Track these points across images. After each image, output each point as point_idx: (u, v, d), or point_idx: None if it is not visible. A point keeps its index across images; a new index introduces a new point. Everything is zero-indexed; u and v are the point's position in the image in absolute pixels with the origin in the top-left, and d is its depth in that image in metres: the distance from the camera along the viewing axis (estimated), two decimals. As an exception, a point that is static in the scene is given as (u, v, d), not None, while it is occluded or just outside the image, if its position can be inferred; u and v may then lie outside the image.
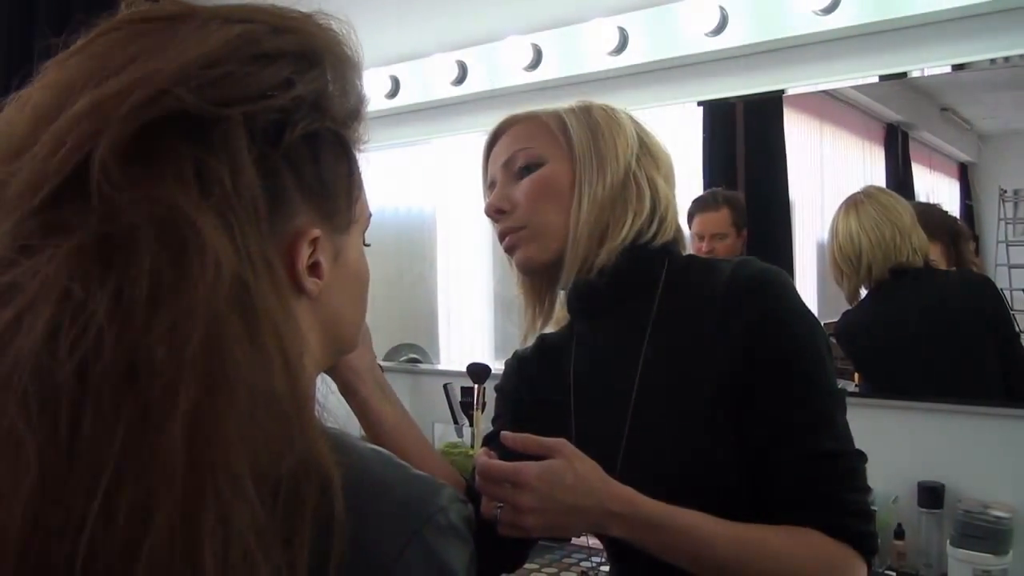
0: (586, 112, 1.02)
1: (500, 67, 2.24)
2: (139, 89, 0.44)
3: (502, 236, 1.03)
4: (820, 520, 0.84)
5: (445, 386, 2.27)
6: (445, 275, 2.51)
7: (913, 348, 1.74)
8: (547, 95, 2.21)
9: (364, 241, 0.62)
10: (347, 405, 1.01)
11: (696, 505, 0.85)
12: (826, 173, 1.92)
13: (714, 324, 0.90)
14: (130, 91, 0.44)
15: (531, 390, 1.10)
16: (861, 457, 0.89)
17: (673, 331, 0.95)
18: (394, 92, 2.45)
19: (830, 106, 1.88)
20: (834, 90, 1.85)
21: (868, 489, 0.89)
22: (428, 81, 2.39)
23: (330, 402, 0.51)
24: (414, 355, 2.55)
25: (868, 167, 1.89)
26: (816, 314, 0.94)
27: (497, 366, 2.33)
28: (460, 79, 2.31)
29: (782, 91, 1.88)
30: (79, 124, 0.44)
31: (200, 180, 0.44)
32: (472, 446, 2.15)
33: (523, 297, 1.10)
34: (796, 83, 1.86)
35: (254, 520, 0.41)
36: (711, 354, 0.90)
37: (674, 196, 1.03)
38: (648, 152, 1.01)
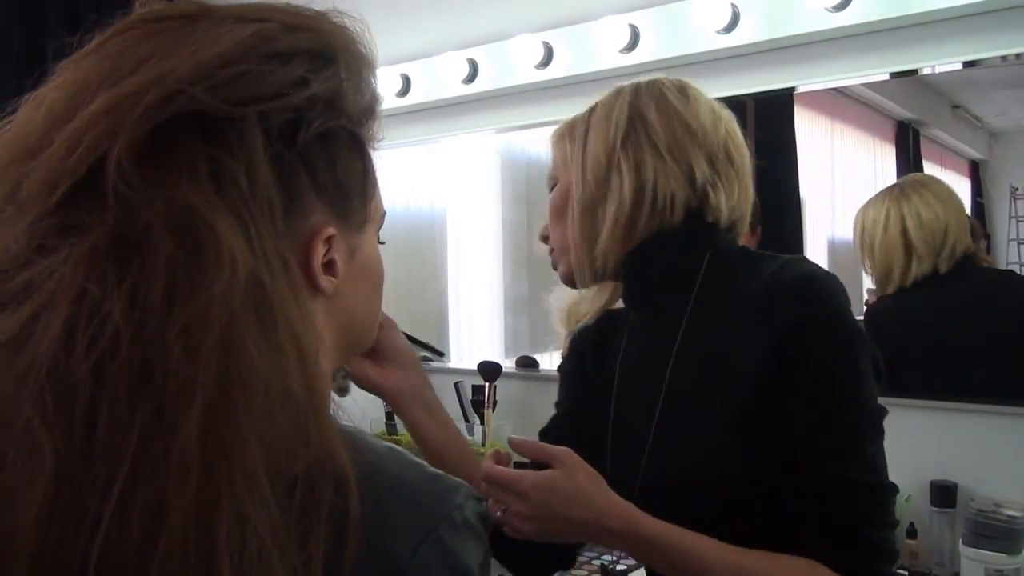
0: (593, 111, 1.00)
1: (511, 65, 2.23)
2: (154, 89, 0.44)
3: (551, 254, 1.06)
4: (830, 555, 0.80)
5: (456, 385, 2.27)
6: (455, 273, 2.52)
7: (933, 344, 1.73)
8: (558, 93, 2.20)
9: (378, 239, 0.62)
10: (361, 403, 1.02)
11: (712, 516, 0.83)
12: (837, 171, 1.91)
13: (749, 325, 0.85)
14: (145, 91, 0.44)
15: (582, 366, 1.10)
16: (891, 490, 0.83)
17: (707, 328, 0.91)
18: (405, 90, 2.45)
19: (841, 104, 1.87)
20: (845, 88, 1.84)
21: (892, 525, 0.83)
22: (439, 79, 2.38)
23: (345, 400, 0.50)
24: (424, 354, 2.55)
25: (879, 165, 1.88)
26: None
27: (508, 364, 2.34)
28: (471, 77, 2.31)
29: (793, 89, 1.87)
30: (95, 124, 0.44)
31: (215, 180, 0.44)
32: (483, 445, 2.15)
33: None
34: (807, 80, 1.85)
35: (270, 519, 0.41)
36: (742, 359, 0.85)
37: (686, 168, 0.93)
38: (643, 129, 0.94)
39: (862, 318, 1.78)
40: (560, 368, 1.15)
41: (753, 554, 0.82)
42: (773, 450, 0.83)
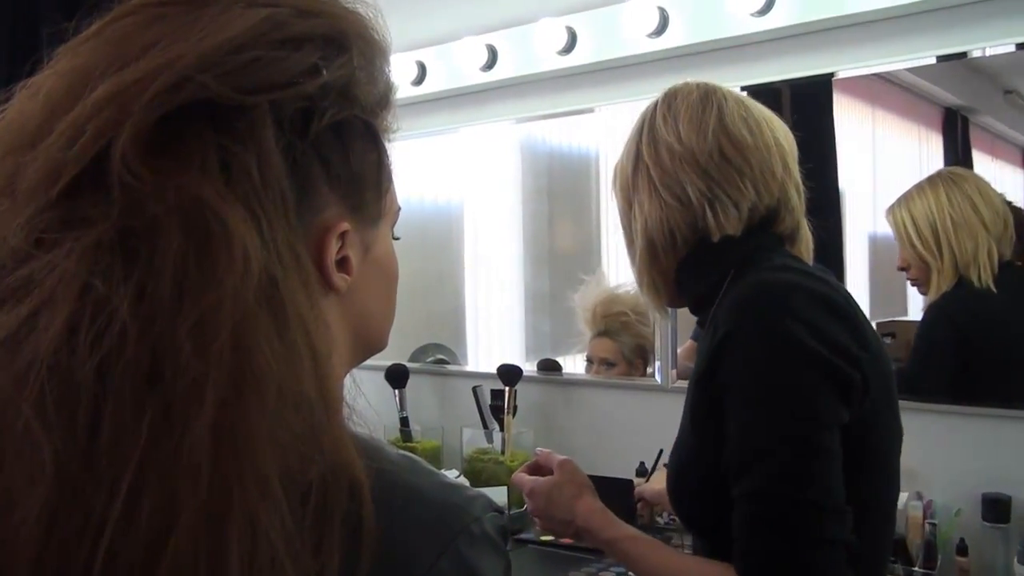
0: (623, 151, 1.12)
1: (532, 51, 2.23)
2: (162, 76, 0.44)
3: None
4: (737, 563, 0.89)
5: (474, 389, 2.28)
6: (474, 271, 2.52)
7: (988, 348, 1.71)
8: (582, 81, 2.20)
9: (393, 235, 0.62)
10: (376, 407, 1.03)
11: (695, 508, 1.00)
12: (879, 162, 1.89)
13: (710, 339, 0.95)
14: (152, 78, 0.44)
15: None
16: (823, 507, 0.84)
17: (701, 344, 1.01)
18: (420, 78, 2.45)
19: (883, 90, 1.85)
20: (888, 73, 1.82)
21: (820, 542, 0.84)
22: (456, 67, 2.39)
23: (359, 404, 0.51)
24: (441, 356, 2.56)
25: (924, 155, 1.86)
26: (867, 313, 0.92)
27: (528, 367, 2.34)
28: (490, 64, 2.31)
29: (832, 74, 1.85)
30: (98, 112, 0.44)
31: (226, 170, 0.44)
32: (503, 453, 2.15)
33: None
34: (847, 66, 1.83)
35: (282, 525, 0.41)
36: (699, 369, 0.96)
37: (682, 194, 1.02)
38: (644, 170, 1.05)
39: (920, 318, 1.76)
40: None
41: (688, 558, 1.04)
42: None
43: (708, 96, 1.05)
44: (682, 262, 1.04)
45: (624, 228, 1.11)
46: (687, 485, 1.01)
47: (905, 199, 1.75)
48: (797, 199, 1.05)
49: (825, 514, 0.85)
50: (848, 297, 0.96)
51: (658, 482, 1.50)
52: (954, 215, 1.69)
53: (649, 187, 1.04)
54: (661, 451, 1.75)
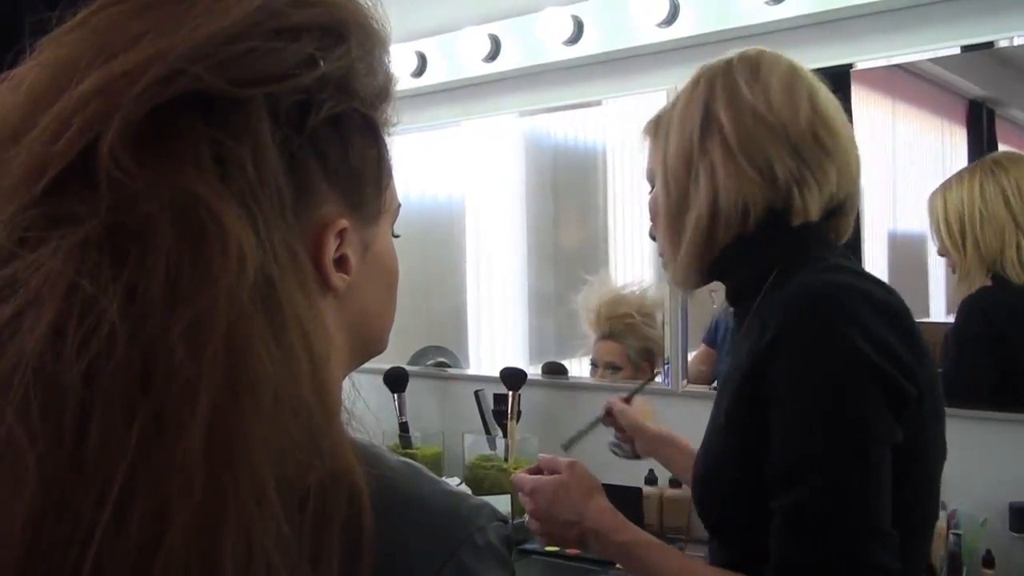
0: (675, 106, 1.05)
1: (537, 41, 2.23)
2: (152, 67, 0.44)
3: None
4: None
5: (476, 393, 2.28)
6: (476, 270, 2.52)
7: (1016, 351, 1.70)
8: (588, 72, 2.20)
9: (393, 232, 0.62)
10: (375, 412, 1.03)
11: (724, 515, 0.98)
12: (899, 157, 1.89)
13: (756, 338, 0.91)
14: (143, 69, 0.44)
15: None
16: (851, 524, 0.83)
17: (744, 339, 0.98)
18: (421, 70, 2.45)
19: (905, 82, 1.85)
20: (909, 63, 1.82)
21: (853, 563, 0.83)
22: (458, 57, 2.39)
23: (357, 409, 0.51)
24: (442, 359, 2.56)
25: (948, 149, 1.86)
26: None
27: (533, 370, 2.34)
28: (493, 55, 2.31)
29: (850, 66, 1.85)
30: (86, 105, 0.44)
31: (220, 166, 0.44)
32: (506, 460, 2.15)
33: None
34: (866, 56, 1.83)
35: (279, 534, 0.41)
36: (743, 369, 0.93)
37: (765, 168, 0.96)
38: (716, 130, 0.98)
39: (951, 318, 1.75)
40: None
41: (711, 570, 0.98)
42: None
43: (797, 71, 1.01)
44: (739, 240, 0.98)
45: (667, 194, 1.02)
46: (717, 490, 0.98)
47: (944, 186, 1.74)
48: (855, 206, 1.05)
49: (874, 537, 0.83)
50: (903, 302, 0.94)
51: (636, 415, 1.49)
52: (983, 208, 1.68)
53: (725, 154, 0.96)
54: (649, 380, 1.79)
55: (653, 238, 1.11)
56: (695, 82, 1.03)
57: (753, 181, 0.96)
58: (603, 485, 1.15)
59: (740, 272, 1.01)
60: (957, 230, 1.71)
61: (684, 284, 1.07)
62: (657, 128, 1.06)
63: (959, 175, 1.73)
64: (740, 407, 0.92)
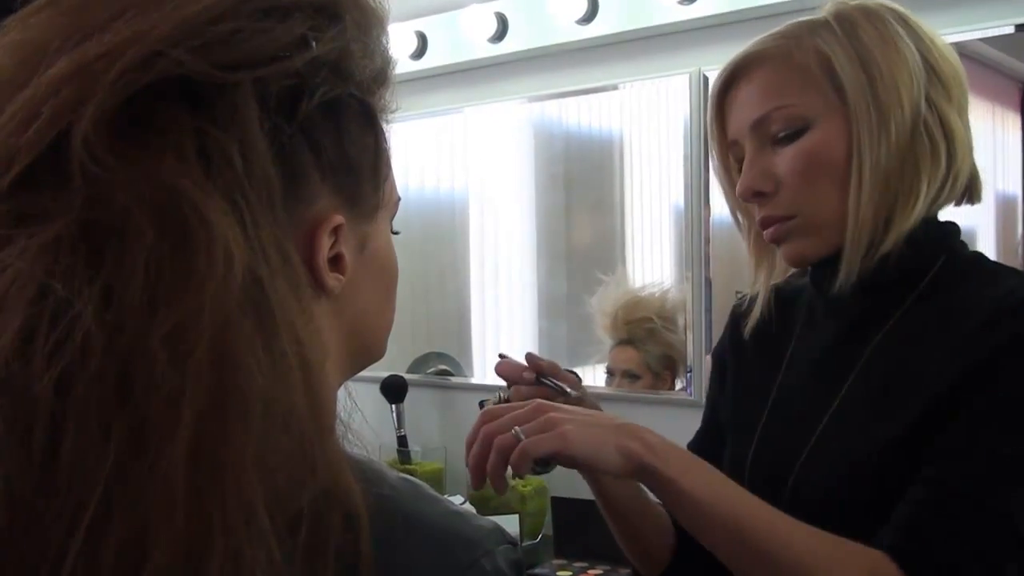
0: (853, 36, 0.93)
1: (548, 20, 2.23)
2: (130, 50, 0.44)
3: (765, 223, 0.97)
4: (903, 560, 0.81)
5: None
6: (480, 271, 2.52)
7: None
8: (603, 54, 2.20)
9: (392, 229, 0.62)
10: (373, 425, 1.02)
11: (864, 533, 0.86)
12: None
13: (959, 341, 0.86)
14: (120, 52, 0.44)
15: (740, 359, 1.12)
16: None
17: (907, 342, 0.92)
18: (421, 51, 2.46)
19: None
20: (958, 44, 1.81)
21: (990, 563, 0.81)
22: (461, 38, 2.39)
23: (354, 421, 0.51)
24: (444, 366, 2.56)
25: (999, 136, 1.85)
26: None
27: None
28: (499, 35, 2.31)
29: (892, 45, 1.84)
30: (57, 92, 0.44)
31: (204, 158, 0.44)
32: (514, 476, 2.14)
33: (759, 268, 1.07)
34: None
35: (270, 560, 0.41)
36: (935, 373, 0.87)
37: (968, 133, 0.94)
38: (937, 78, 0.92)
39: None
40: (713, 354, 1.20)
41: (806, 528, 0.84)
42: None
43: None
44: (926, 221, 0.93)
45: (881, 144, 0.90)
46: (856, 490, 0.90)
47: None
48: None
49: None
50: None
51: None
52: None
53: (947, 102, 0.92)
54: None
55: (756, 196, 0.97)
56: (865, 13, 0.94)
57: (971, 152, 0.94)
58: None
59: (905, 256, 0.92)
60: None
61: (817, 256, 0.96)
62: (828, 62, 0.93)
63: None
64: (939, 405, 0.86)
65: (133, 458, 0.40)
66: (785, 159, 0.93)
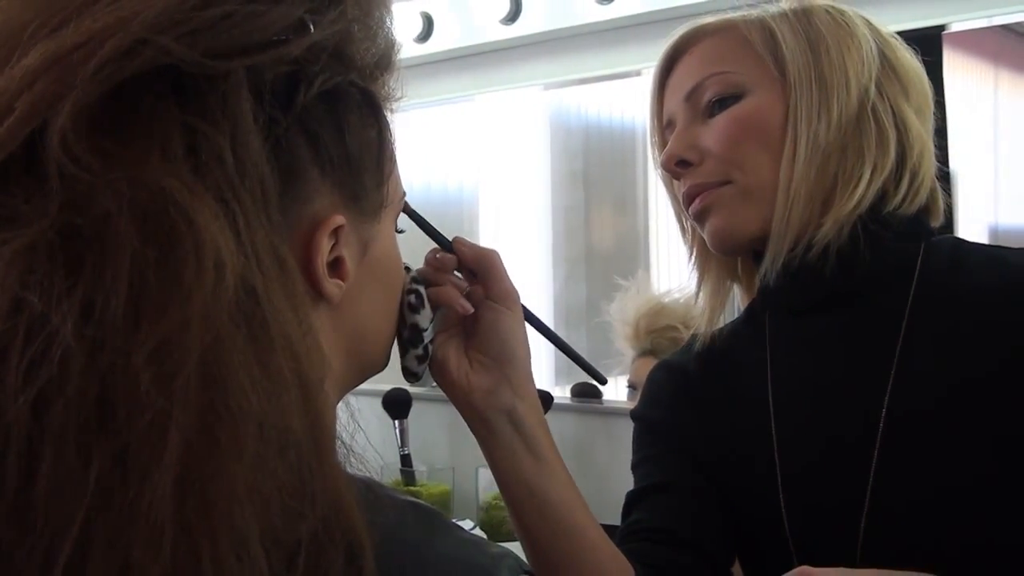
0: (804, 18, 0.95)
1: (563, 0, 2.24)
2: (112, 38, 0.44)
3: (689, 197, 0.96)
4: None
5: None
6: (491, 273, 2.52)
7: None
8: (623, 36, 2.20)
9: (396, 228, 0.62)
10: (375, 443, 1.02)
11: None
12: (1001, 133, 1.88)
13: (1000, 325, 0.87)
14: (100, 41, 0.44)
15: (704, 423, 1.03)
16: None
17: (940, 340, 0.90)
18: (427, 34, 2.47)
19: (1009, 45, 1.84)
20: (1015, 23, 1.81)
21: None
22: (471, 19, 2.40)
23: (358, 441, 0.51)
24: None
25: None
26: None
27: (560, 392, 2.33)
28: (512, 16, 2.32)
29: (942, 27, 1.85)
30: (30, 85, 0.44)
31: (193, 155, 0.44)
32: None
33: (702, 282, 1.06)
34: (962, 16, 1.83)
35: None
36: (994, 366, 0.86)
37: (929, 139, 0.97)
38: (893, 73, 0.95)
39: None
40: (639, 417, 1.11)
41: None
42: None
43: None
44: (878, 215, 0.93)
45: (829, 118, 0.92)
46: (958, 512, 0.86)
47: None
48: None
49: None
50: None
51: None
52: None
53: (903, 98, 0.96)
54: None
55: (683, 165, 0.95)
56: (827, 8, 0.97)
57: (927, 146, 0.97)
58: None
59: (882, 253, 0.93)
60: None
61: (745, 233, 0.94)
62: (771, 33, 0.95)
63: None
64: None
65: (115, 487, 0.40)
66: (716, 125, 0.94)
